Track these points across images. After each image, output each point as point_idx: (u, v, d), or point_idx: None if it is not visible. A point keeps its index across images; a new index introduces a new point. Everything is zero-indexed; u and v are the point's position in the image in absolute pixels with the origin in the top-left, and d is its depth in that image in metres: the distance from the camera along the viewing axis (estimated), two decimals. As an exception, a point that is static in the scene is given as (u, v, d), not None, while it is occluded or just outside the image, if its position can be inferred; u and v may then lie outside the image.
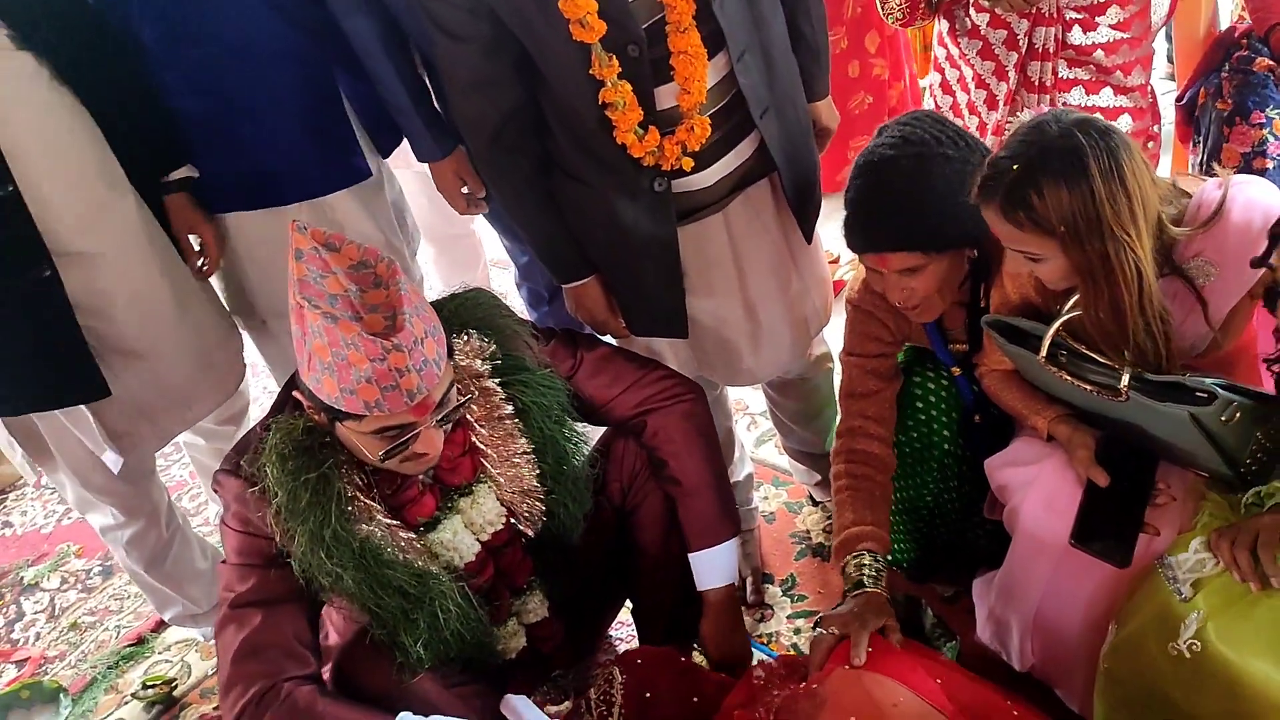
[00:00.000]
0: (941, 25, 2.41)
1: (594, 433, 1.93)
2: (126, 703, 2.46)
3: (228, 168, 2.07)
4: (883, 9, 2.37)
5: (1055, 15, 2.19)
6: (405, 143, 2.21)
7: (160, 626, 2.63)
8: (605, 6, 1.58)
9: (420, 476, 1.70)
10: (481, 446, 1.73)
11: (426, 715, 1.62)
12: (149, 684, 2.46)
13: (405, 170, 2.43)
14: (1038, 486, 1.73)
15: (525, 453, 1.76)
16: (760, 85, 1.78)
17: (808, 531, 2.48)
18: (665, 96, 1.69)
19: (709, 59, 1.69)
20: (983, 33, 2.29)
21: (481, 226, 2.90)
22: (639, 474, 1.91)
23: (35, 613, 2.79)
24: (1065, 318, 1.61)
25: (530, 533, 1.80)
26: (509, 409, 1.74)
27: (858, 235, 1.79)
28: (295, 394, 1.61)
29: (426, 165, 2.21)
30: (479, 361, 1.71)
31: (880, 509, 1.91)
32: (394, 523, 1.65)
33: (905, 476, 2.13)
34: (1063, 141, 1.48)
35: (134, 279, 1.99)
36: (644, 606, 2.05)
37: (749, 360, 2.07)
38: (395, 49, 2.02)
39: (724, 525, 1.88)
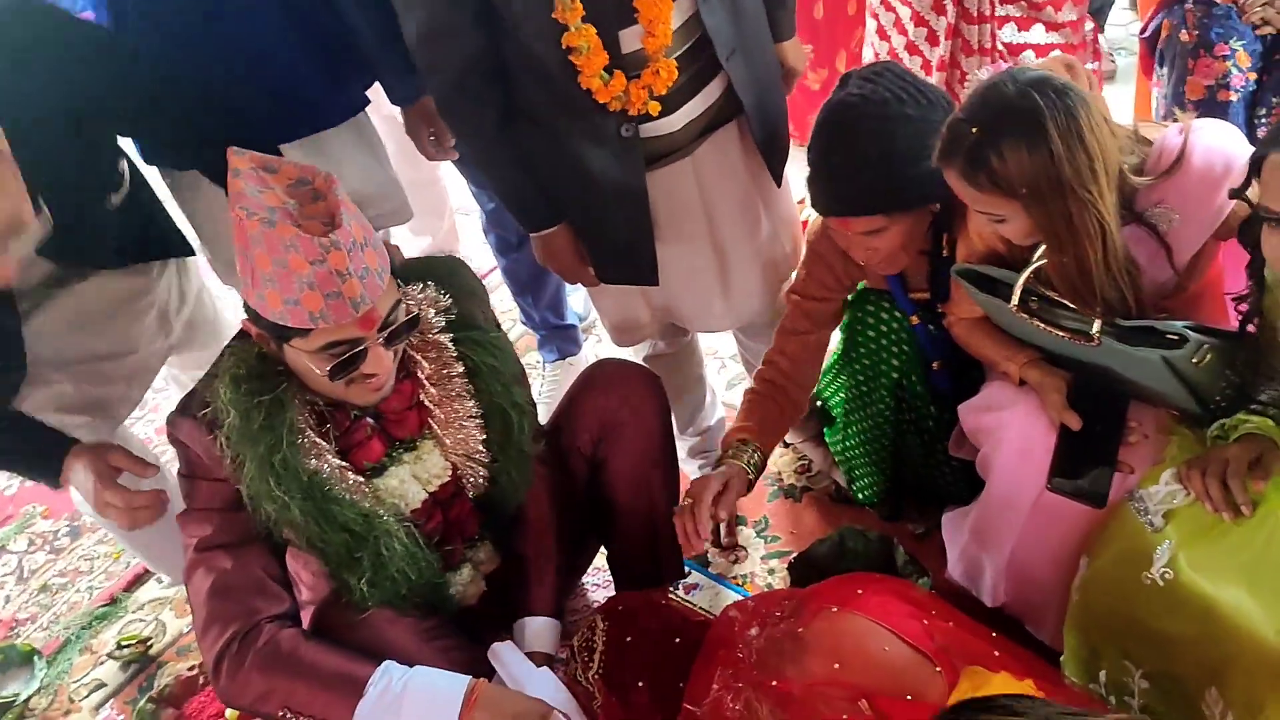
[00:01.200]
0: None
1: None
2: (102, 663, 2.44)
3: (222, 120, 1.94)
4: None
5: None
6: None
7: (132, 586, 2.61)
8: None
9: (369, 421, 1.68)
10: (429, 405, 1.72)
11: (409, 667, 1.62)
12: (124, 643, 2.45)
13: (374, 115, 2.39)
14: (1011, 431, 1.75)
15: (473, 416, 1.74)
16: (726, 26, 1.75)
17: (779, 473, 2.50)
18: (630, 39, 1.66)
19: (673, 0, 1.65)
20: None
21: (448, 172, 2.87)
22: (608, 426, 1.91)
23: (3, 575, 2.76)
24: (1035, 266, 1.61)
25: (471, 495, 1.80)
26: (460, 368, 1.72)
27: (820, 198, 1.79)
28: (244, 323, 1.58)
29: (395, 110, 2.18)
30: (431, 311, 1.68)
31: (771, 424, 2.01)
32: (343, 464, 1.64)
33: (860, 407, 2.17)
34: (1020, 101, 1.47)
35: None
36: (618, 553, 2.06)
37: (720, 306, 2.06)
38: None
39: (556, 603, 1.87)
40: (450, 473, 1.76)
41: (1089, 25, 2.51)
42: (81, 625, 2.54)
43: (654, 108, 1.72)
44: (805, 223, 2.12)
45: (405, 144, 2.29)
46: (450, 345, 1.70)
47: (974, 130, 1.49)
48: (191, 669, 2.34)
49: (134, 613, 2.55)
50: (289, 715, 1.60)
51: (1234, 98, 2.30)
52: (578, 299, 2.99)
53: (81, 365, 1.96)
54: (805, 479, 2.47)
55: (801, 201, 3.01)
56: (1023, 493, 1.73)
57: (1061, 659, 1.75)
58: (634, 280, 1.98)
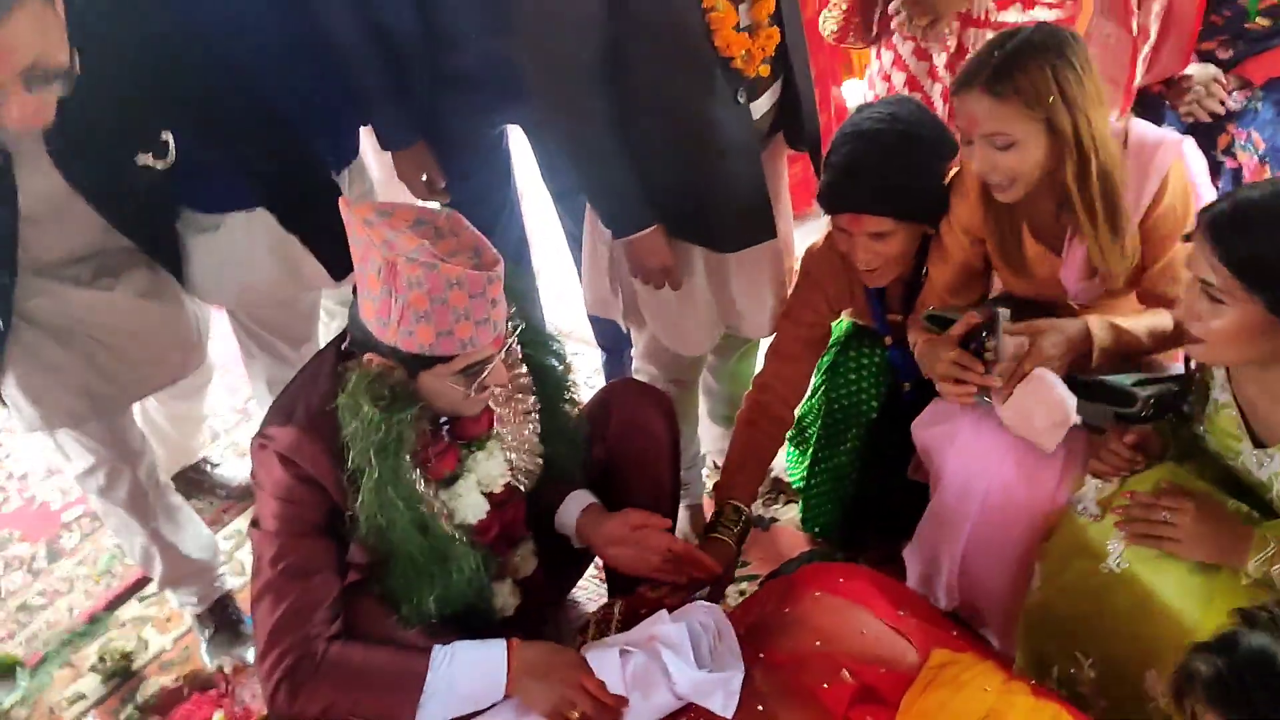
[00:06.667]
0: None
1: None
2: (83, 676, 2.42)
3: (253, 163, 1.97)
4: (822, 22, 2.48)
5: (984, 19, 2.24)
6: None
7: (113, 605, 2.60)
8: None
9: (444, 433, 1.74)
10: (492, 406, 1.79)
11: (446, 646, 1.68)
12: (105, 657, 2.44)
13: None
14: (962, 435, 1.89)
15: (530, 411, 1.83)
16: (794, 34, 1.97)
17: (747, 506, 2.61)
18: (743, 13, 1.85)
19: None
20: (905, 61, 2.36)
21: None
22: (622, 440, 2.00)
23: (-20, 595, 2.72)
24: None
25: (523, 488, 1.86)
26: (524, 368, 1.82)
27: (839, 196, 1.95)
28: (364, 358, 1.61)
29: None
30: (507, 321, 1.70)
31: (761, 462, 2.21)
32: (428, 480, 1.69)
33: (831, 444, 2.33)
34: (1038, 35, 1.68)
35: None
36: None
37: (773, 306, 2.21)
38: (366, 34, 2.02)
39: None
40: (508, 471, 1.82)
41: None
42: (62, 641, 2.52)
43: (764, 70, 1.90)
44: (791, 271, 2.29)
45: (392, 180, 2.35)
46: (517, 348, 1.78)
47: (996, 51, 1.68)
48: (175, 680, 2.36)
49: (115, 629, 2.55)
50: None
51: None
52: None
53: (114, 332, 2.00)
54: (773, 510, 2.59)
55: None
56: (972, 491, 1.87)
57: (1015, 665, 1.87)
58: (755, 239, 2.06)
